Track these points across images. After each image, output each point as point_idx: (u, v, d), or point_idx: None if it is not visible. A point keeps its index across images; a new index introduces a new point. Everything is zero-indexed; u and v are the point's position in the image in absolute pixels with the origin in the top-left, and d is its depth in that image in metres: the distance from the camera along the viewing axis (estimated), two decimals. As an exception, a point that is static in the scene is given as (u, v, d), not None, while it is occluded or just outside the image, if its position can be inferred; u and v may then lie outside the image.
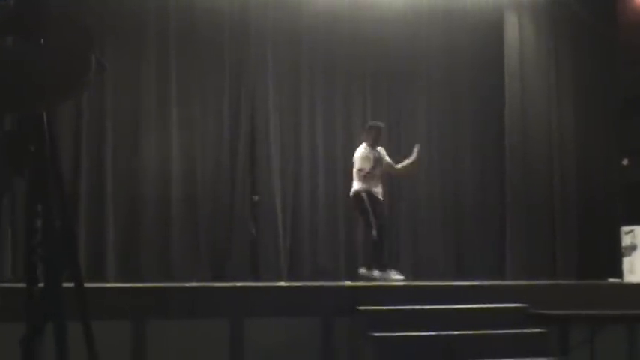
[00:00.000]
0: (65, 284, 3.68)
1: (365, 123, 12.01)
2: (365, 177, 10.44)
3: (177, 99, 11.39)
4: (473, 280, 10.42)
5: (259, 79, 11.84)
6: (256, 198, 11.68)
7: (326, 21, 12.06)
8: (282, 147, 11.83)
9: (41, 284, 3.65)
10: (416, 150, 10.78)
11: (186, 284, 9.13)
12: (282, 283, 9.72)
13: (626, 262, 12.22)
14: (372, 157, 10.56)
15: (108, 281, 10.27)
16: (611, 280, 11.58)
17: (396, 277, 10.18)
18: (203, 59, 11.57)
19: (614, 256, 12.35)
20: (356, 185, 10.54)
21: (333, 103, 12.22)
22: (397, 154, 12.26)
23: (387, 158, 10.82)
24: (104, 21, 11.08)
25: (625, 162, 12.84)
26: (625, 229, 12.40)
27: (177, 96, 11.39)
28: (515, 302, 8.91)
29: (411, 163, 10.86)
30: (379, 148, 10.76)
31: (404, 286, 9.57)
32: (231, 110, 11.66)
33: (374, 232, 10.30)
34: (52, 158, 3.56)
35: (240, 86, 11.75)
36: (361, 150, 10.66)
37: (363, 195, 10.42)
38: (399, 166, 10.93)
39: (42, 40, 3.35)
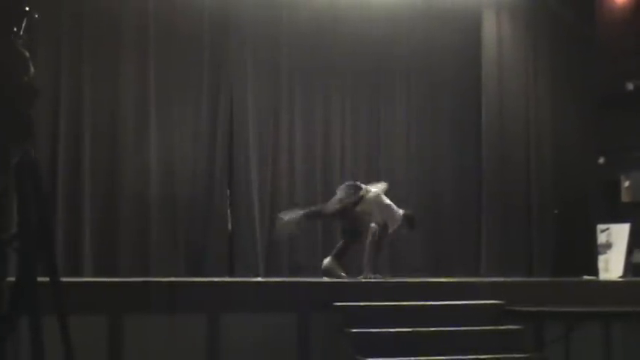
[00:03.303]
0: (41, 278, 3.68)
1: (344, 120, 12.12)
2: None
3: (156, 98, 11.34)
4: (449, 277, 10.45)
5: (238, 77, 11.80)
6: (227, 192, 11.67)
7: (306, 20, 12.05)
8: (259, 146, 11.81)
9: (13, 278, 3.65)
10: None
11: (163, 279, 9.10)
12: (259, 279, 9.71)
13: (602, 260, 12.30)
14: None
15: (84, 277, 10.24)
16: (587, 277, 11.65)
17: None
18: (182, 59, 11.52)
19: (590, 253, 12.42)
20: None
21: (312, 102, 12.20)
22: (376, 153, 12.35)
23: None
24: (82, 20, 11.08)
25: (601, 160, 12.92)
26: (601, 227, 12.47)
27: (155, 95, 11.34)
28: (491, 299, 8.96)
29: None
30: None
31: (381, 282, 9.59)
32: (209, 109, 11.62)
33: None
34: (30, 151, 3.57)
35: (219, 85, 11.71)
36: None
37: None
38: None
39: None
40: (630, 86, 12.67)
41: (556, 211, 12.83)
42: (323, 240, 11.91)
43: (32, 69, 3.63)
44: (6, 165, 3.55)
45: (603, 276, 11.99)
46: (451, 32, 12.55)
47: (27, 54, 3.61)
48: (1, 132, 3.56)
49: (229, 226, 11.60)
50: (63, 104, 10.93)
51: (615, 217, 12.41)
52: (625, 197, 12.45)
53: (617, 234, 12.27)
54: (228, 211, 11.64)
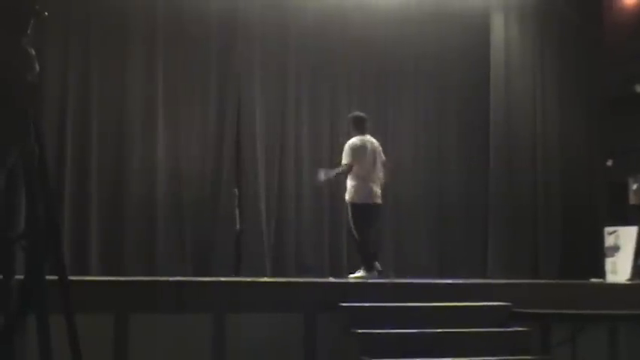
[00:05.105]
0: (48, 277, 3.69)
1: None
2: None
3: (163, 98, 11.36)
4: (456, 278, 10.44)
5: (246, 77, 11.82)
6: (236, 192, 11.68)
7: (314, 21, 12.07)
8: (267, 146, 11.82)
9: (21, 276, 3.65)
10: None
11: (170, 279, 9.11)
12: (265, 279, 9.71)
13: (609, 262, 12.29)
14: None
15: (91, 276, 10.25)
16: (594, 280, 11.64)
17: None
18: (190, 59, 11.55)
19: (597, 256, 12.41)
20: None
21: (319, 103, 12.21)
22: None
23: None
24: (90, 19, 11.10)
25: (609, 163, 12.90)
26: (608, 229, 12.46)
27: (163, 95, 11.36)
28: (497, 301, 8.94)
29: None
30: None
31: (387, 283, 9.59)
32: (216, 110, 11.64)
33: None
34: (38, 149, 3.56)
35: (226, 86, 11.72)
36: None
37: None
38: None
39: None
40: (638, 88, 12.65)
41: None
42: (330, 239, 11.92)
43: (37, 67, 3.62)
44: (3, 163, 3.54)
45: (610, 279, 11.97)
46: (459, 34, 12.56)
47: (33, 52, 3.60)
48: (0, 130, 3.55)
49: (237, 226, 11.61)
50: (70, 103, 10.95)
51: (623, 219, 12.39)
52: (632, 200, 12.42)
53: (624, 237, 12.25)
54: (236, 211, 11.65)
